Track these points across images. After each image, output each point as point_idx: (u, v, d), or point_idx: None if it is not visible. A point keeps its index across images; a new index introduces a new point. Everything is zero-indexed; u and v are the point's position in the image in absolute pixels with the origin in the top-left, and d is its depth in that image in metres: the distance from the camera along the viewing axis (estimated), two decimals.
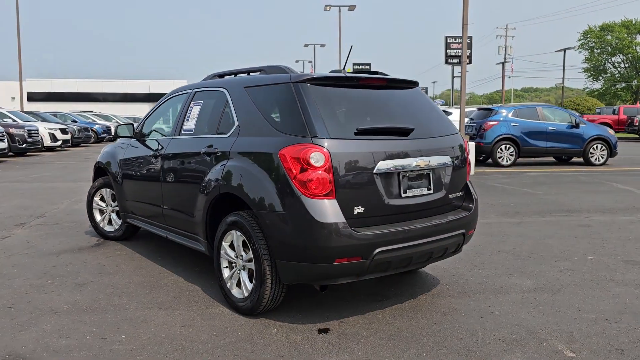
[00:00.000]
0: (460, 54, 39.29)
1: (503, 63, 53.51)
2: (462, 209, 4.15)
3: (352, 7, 37.98)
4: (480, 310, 3.94)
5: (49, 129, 20.68)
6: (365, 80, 3.92)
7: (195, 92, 4.80)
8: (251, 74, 4.47)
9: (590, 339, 3.43)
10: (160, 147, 4.97)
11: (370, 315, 3.86)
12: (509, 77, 57.39)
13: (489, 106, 17.92)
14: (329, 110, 3.60)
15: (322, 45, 50.46)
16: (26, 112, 23.72)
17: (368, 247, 3.40)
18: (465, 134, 15.58)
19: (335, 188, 3.39)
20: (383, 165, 3.54)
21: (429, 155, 3.80)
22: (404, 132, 3.77)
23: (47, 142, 20.24)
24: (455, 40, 39.20)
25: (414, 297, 4.21)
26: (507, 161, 14.75)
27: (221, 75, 4.82)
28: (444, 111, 16.39)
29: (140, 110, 52.49)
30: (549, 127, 14.79)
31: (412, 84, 4.24)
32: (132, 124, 5.60)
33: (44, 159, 17.76)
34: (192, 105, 4.75)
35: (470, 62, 39.48)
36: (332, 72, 4.16)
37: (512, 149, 14.74)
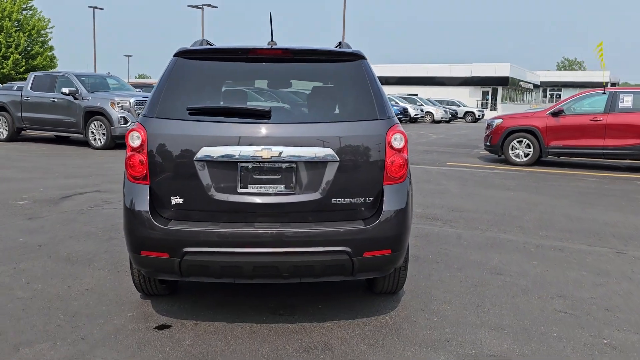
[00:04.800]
0: None
1: None
2: (363, 220, 3.08)
3: None
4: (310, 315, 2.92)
5: None
6: (256, 52, 3.27)
7: None
8: None
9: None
10: None
11: (224, 325, 3.32)
12: None
13: None
14: (184, 87, 3.19)
15: None
16: None
17: (175, 244, 2.94)
18: None
19: (150, 173, 3.03)
20: (207, 152, 2.96)
21: (286, 145, 2.96)
22: (260, 114, 3.03)
23: None
24: None
25: (308, 314, 3.39)
26: None
27: None
28: None
29: (460, 94, 53.07)
30: None
31: (342, 57, 3.32)
32: None
33: None
34: None
35: None
36: (269, 43, 3.62)
37: None
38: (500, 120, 12.13)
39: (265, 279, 3.12)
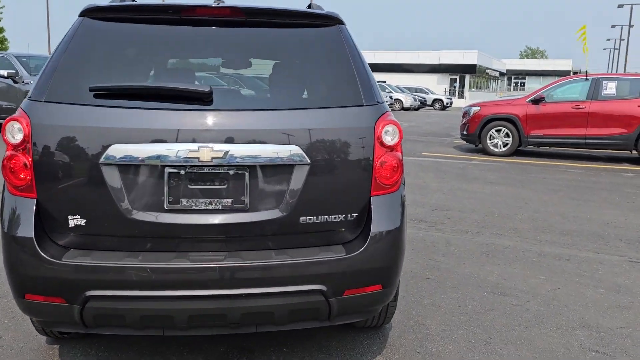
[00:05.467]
0: None
1: None
2: (343, 246, 2.24)
3: None
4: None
5: None
6: (194, 12, 2.35)
7: None
8: None
9: None
10: None
11: None
12: None
13: None
14: (90, 59, 2.26)
15: None
16: None
17: (73, 284, 2.04)
18: None
19: (37, 181, 2.11)
20: (119, 151, 2.05)
21: (234, 142, 2.09)
22: (196, 97, 2.14)
23: None
24: None
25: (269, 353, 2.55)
26: None
27: None
28: None
29: (428, 81, 52.52)
30: None
31: (314, 20, 2.44)
32: None
33: None
34: None
35: None
36: (215, 1, 2.70)
37: None
38: (478, 107, 11.43)
39: (206, 331, 2.25)
